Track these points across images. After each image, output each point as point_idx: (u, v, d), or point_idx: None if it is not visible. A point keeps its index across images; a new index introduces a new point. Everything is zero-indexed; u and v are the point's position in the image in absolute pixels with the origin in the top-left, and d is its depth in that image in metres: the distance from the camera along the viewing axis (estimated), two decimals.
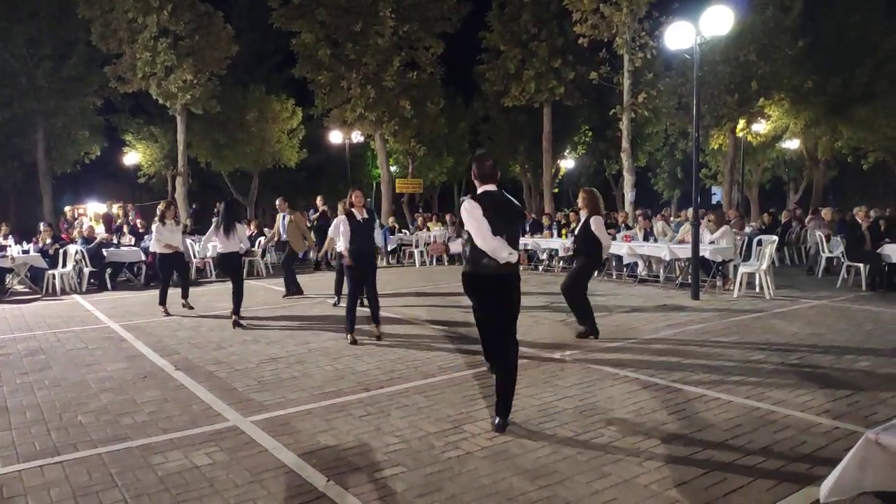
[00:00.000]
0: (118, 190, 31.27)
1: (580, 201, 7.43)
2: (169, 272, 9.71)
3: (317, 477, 3.68)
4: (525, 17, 22.41)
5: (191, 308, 9.75)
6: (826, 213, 14.58)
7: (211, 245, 9.34)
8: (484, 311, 4.59)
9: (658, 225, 13.43)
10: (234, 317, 8.42)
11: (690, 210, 11.74)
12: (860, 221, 11.31)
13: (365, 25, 20.46)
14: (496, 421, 4.35)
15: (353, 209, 7.26)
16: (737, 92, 19.90)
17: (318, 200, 15.63)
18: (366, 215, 7.31)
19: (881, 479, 2.41)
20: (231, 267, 8.83)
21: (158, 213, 9.65)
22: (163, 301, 9.51)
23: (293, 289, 11.26)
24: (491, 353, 4.80)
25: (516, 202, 4.56)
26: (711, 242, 10.68)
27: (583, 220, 7.27)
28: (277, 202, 12.03)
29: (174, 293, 9.86)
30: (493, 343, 4.68)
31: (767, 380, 5.43)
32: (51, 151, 24.32)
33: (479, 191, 4.40)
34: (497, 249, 4.20)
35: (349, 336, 7.18)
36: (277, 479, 3.68)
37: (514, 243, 4.36)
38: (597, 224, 7.08)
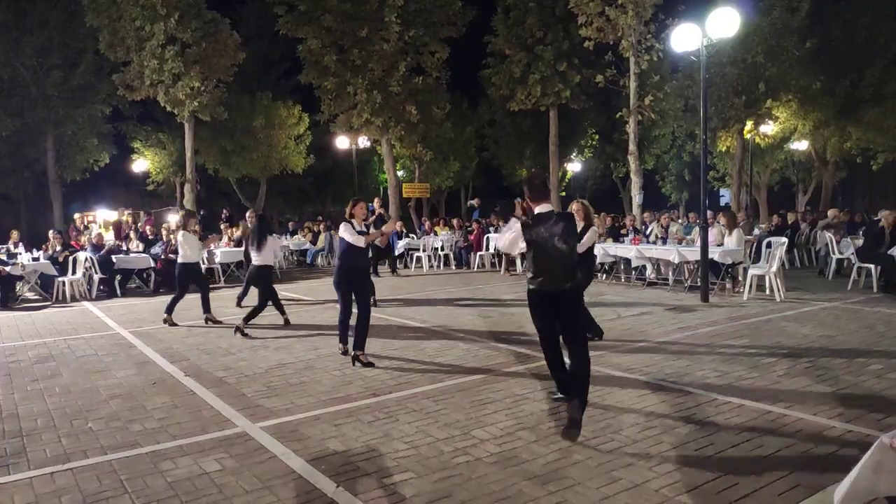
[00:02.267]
0: (127, 197, 31.48)
1: (577, 213, 6.98)
2: (187, 283, 9.34)
3: (326, 483, 3.67)
4: (530, 21, 22.41)
5: (217, 322, 9.21)
6: (832, 213, 14.46)
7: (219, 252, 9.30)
8: (535, 324, 4.79)
9: (673, 227, 13.38)
10: (242, 322, 8.30)
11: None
12: (886, 226, 11.13)
13: (371, 31, 20.51)
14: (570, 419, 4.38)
15: (352, 220, 6.70)
16: (744, 93, 19.82)
17: (376, 202, 14.99)
18: (363, 228, 6.84)
19: None
20: (262, 278, 8.63)
21: (180, 221, 9.39)
22: (171, 310, 9.21)
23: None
24: (551, 365, 4.85)
25: (568, 220, 4.64)
26: (719, 245, 10.65)
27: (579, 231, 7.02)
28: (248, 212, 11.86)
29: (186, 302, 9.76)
30: (553, 355, 4.79)
31: (778, 383, 5.39)
32: (60, 159, 24.52)
33: (535, 212, 4.60)
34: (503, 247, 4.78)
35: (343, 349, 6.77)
36: (286, 485, 3.68)
37: (564, 264, 4.51)
38: (591, 234, 6.92)
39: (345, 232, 6.53)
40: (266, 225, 8.91)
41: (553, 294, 4.55)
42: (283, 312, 9.00)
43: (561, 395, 4.85)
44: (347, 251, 6.54)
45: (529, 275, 4.62)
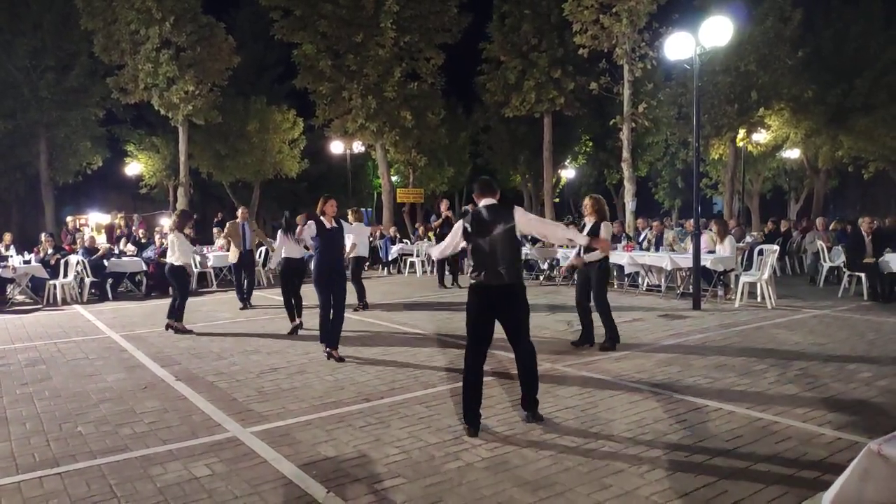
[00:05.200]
0: (120, 200, 31.32)
1: (587, 208, 7.22)
2: (185, 286, 8.91)
3: (316, 488, 3.66)
4: (525, 28, 22.52)
5: (187, 332, 8.79)
6: (820, 222, 14.56)
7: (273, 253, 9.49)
8: (469, 325, 4.70)
9: (669, 234, 13.44)
10: (298, 320, 8.64)
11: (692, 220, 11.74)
12: (864, 232, 11.21)
13: (366, 37, 20.57)
14: (525, 416, 4.67)
15: (322, 217, 6.85)
16: (737, 102, 19.96)
17: (443, 205, 14.31)
18: (335, 224, 6.91)
19: (884, 492, 2.38)
20: (296, 272, 8.79)
21: (175, 223, 8.92)
22: (178, 316, 8.78)
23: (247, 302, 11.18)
24: (471, 387, 4.52)
25: (505, 210, 4.59)
26: (711, 252, 10.70)
27: (590, 226, 7.07)
28: (239, 211, 11.65)
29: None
30: (476, 375, 4.54)
31: (769, 390, 5.42)
32: (53, 162, 24.41)
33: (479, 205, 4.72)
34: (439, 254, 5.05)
35: (326, 350, 6.90)
36: (277, 490, 3.67)
37: (503, 256, 4.50)
38: (606, 230, 7.00)
39: (306, 230, 6.85)
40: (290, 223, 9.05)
41: (495, 289, 4.51)
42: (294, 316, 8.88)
43: (467, 425, 4.49)
44: (319, 248, 6.83)
45: (472, 272, 4.61)
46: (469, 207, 4.86)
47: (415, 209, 34.55)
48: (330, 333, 6.85)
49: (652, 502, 3.41)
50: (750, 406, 4.97)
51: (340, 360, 6.73)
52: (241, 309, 10.92)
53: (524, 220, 4.60)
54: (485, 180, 4.81)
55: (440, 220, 14.20)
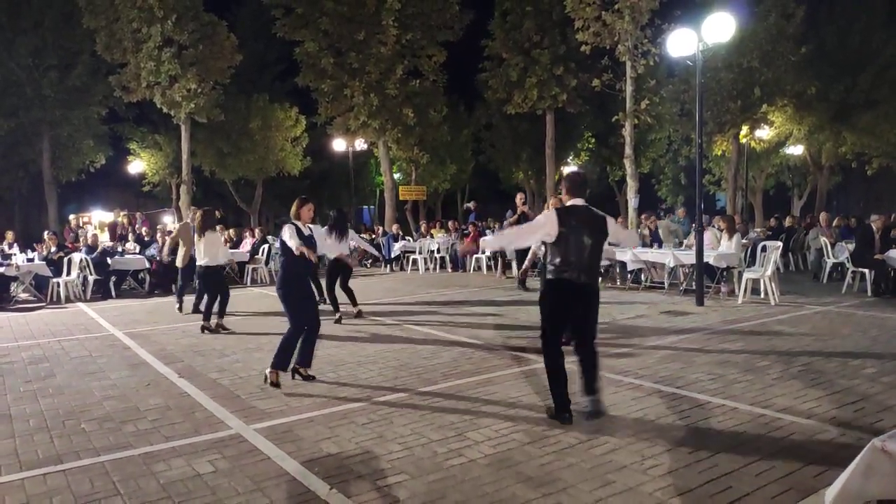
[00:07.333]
0: (123, 198, 31.39)
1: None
2: (217, 286, 8.73)
3: (319, 485, 3.67)
4: (527, 25, 22.46)
5: (226, 329, 8.71)
6: (823, 218, 14.53)
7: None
8: (552, 316, 4.77)
9: (663, 224, 13.39)
10: (356, 308, 9.34)
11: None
12: (876, 228, 11.14)
13: (368, 34, 20.55)
14: (588, 401, 4.67)
15: (298, 221, 6.02)
16: (740, 98, 19.88)
17: (518, 199, 13.16)
18: (309, 232, 6.13)
19: (887, 488, 2.38)
20: (341, 271, 9.31)
21: (201, 221, 8.66)
22: (220, 314, 8.72)
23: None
24: (561, 376, 4.67)
25: (600, 214, 4.79)
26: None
27: None
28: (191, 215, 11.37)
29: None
30: (562, 359, 4.73)
31: (772, 386, 5.41)
32: (56, 160, 24.46)
33: (567, 204, 4.76)
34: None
35: (280, 372, 5.78)
36: (280, 487, 3.67)
37: (593, 257, 4.67)
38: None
39: (287, 235, 5.83)
40: (345, 218, 9.31)
41: (575, 285, 4.60)
42: (337, 309, 9.28)
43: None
44: (291, 257, 5.83)
45: (552, 266, 4.64)
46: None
47: (417, 206, 34.54)
48: (304, 350, 5.91)
49: (655, 499, 3.41)
50: (753, 402, 4.96)
51: (310, 378, 5.90)
52: (179, 309, 10.38)
53: (613, 230, 4.83)
54: (578, 178, 4.85)
55: (516, 216, 12.97)
